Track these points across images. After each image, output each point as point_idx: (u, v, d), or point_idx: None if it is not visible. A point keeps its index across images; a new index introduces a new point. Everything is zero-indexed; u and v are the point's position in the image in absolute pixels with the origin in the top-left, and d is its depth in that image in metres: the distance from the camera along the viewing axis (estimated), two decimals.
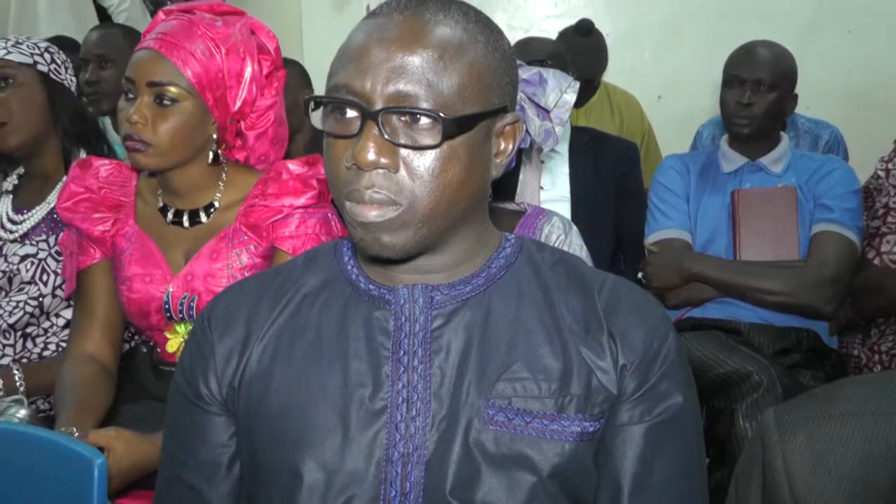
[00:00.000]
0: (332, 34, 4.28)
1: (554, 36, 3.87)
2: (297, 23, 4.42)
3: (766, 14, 4.41)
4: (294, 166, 2.01)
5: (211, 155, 2.00)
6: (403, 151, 1.15)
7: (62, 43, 3.31)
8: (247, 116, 2.03)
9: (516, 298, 1.25)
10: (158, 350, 2.08)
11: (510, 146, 1.24)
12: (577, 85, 2.14)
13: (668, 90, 4.52)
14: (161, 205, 2.06)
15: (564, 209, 2.96)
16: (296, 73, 3.40)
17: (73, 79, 2.50)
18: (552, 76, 2.13)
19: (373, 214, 1.15)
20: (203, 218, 2.04)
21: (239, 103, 1.99)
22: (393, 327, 1.23)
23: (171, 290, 2.00)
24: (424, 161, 1.15)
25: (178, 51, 1.92)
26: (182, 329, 2.04)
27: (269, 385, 1.25)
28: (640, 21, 4.63)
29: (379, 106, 1.14)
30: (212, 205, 2.04)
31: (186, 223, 2.04)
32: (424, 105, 1.13)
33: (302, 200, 1.99)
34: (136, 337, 2.29)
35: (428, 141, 1.15)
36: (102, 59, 3.41)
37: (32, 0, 4.43)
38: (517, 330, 1.22)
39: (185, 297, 1.99)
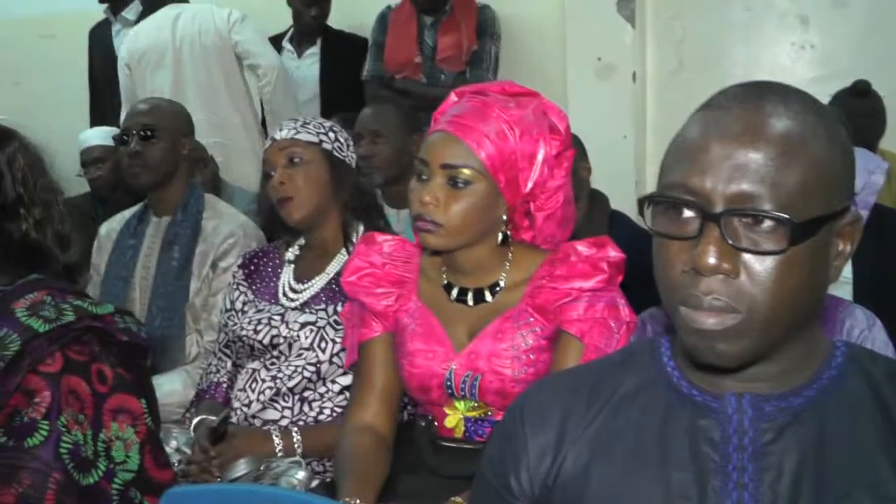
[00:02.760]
0: (596, 101, 4.34)
1: (825, 99, 3.68)
2: (562, 92, 4.47)
3: None
4: (583, 248, 2.00)
5: (500, 235, 2.01)
6: (745, 256, 1.10)
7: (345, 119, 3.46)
8: (537, 198, 2.03)
9: (851, 415, 1.17)
10: (436, 424, 2.09)
11: (849, 247, 1.17)
12: (885, 166, 2.02)
13: None
14: (445, 282, 2.09)
15: (846, 292, 2.80)
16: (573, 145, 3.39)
17: (354, 156, 2.61)
18: (859, 156, 2.01)
19: (710, 322, 1.11)
20: (488, 297, 2.04)
21: (530, 185, 2.00)
22: (720, 438, 1.17)
23: (453, 367, 2.01)
24: (766, 266, 1.10)
25: (472, 133, 1.94)
26: (462, 406, 2.04)
27: (586, 489, 1.23)
28: None
29: (720, 207, 1.09)
30: (497, 284, 2.04)
31: (471, 301, 2.05)
32: (767, 206, 1.08)
33: (591, 284, 1.96)
34: (409, 407, 2.33)
35: (772, 245, 1.09)
36: (376, 135, 3.58)
37: None
38: (855, 451, 1.14)
39: (467, 376, 2.00)
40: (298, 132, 2.53)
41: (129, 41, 4.60)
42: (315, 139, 2.53)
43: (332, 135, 2.56)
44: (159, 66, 4.49)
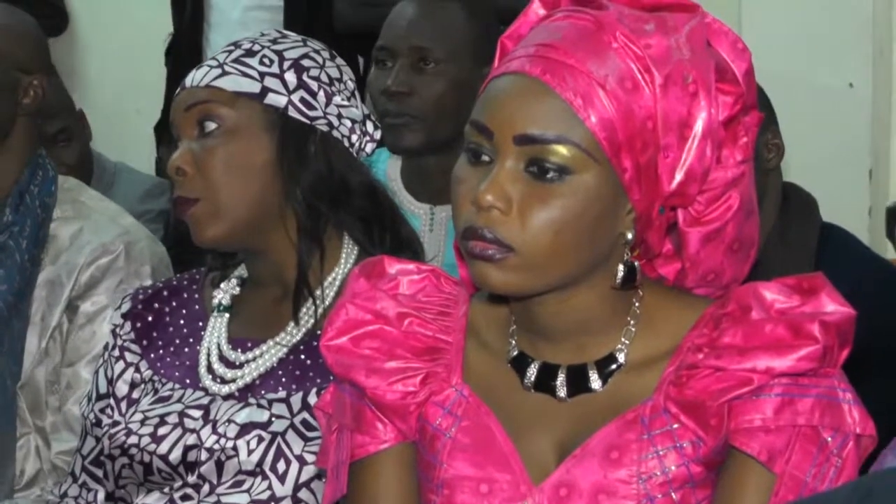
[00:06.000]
0: (794, 20, 3.24)
1: None
2: (734, 14, 3.31)
3: None
4: (773, 294, 1.48)
5: (620, 270, 1.51)
6: None
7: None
8: (690, 200, 1.53)
9: None
10: None
11: None
12: None
13: None
14: (516, 353, 1.59)
15: None
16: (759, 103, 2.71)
17: (339, 109, 1.90)
18: None
19: None
20: (594, 382, 1.54)
21: (679, 176, 1.50)
22: None
23: None
24: None
25: (574, 79, 1.47)
26: None
27: None
28: None
29: None
30: (612, 359, 1.55)
31: (562, 391, 1.54)
32: None
33: (788, 362, 1.44)
34: None
35: None
36: (422, 57, 2.57)
37: None
38: None
39: None
40: (224, 72, 1.89)
41: None
42: (254, 87, 1.88)
43: (291, 76, 1.91)
44: None
